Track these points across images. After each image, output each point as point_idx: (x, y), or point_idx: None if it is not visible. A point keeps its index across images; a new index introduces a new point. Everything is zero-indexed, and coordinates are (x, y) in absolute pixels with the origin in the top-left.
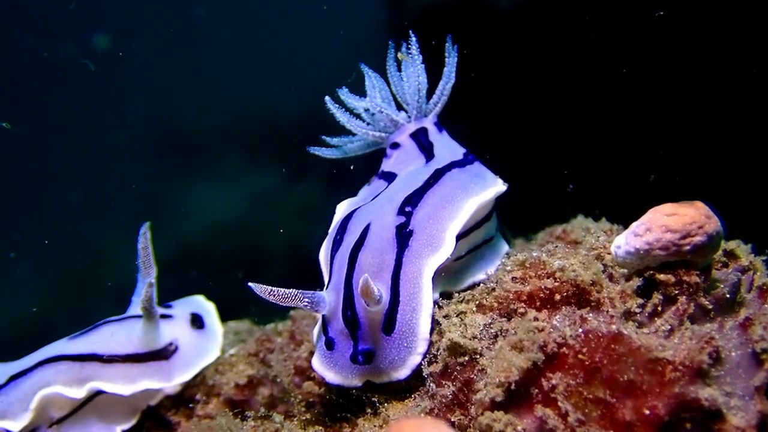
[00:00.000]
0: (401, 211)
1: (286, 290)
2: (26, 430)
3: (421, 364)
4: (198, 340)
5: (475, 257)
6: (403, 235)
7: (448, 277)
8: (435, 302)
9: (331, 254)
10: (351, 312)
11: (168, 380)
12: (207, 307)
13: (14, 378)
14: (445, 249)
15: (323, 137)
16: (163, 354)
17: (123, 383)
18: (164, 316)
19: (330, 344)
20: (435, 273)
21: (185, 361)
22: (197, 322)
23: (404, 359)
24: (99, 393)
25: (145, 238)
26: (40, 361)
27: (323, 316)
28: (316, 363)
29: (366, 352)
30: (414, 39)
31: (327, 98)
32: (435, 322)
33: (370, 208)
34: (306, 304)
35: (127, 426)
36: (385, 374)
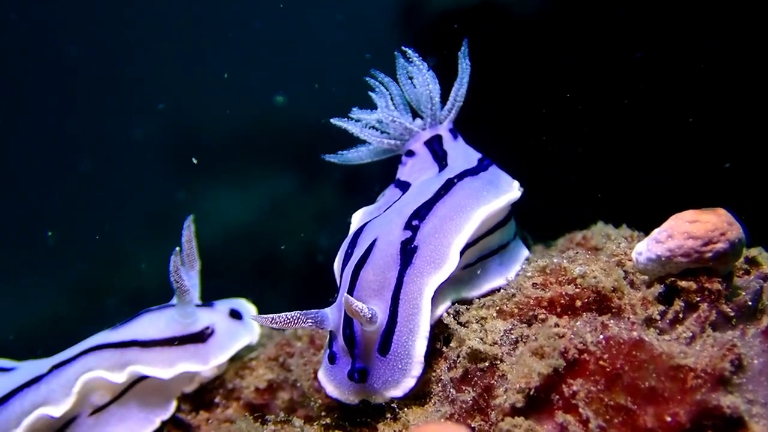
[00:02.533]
0: (408, 226)
1: (288, 315)
2: (67, 417)
3: (415, 387)
4: (234, 327)
5: (492, 262)
6: (408, 252)
7: (463, 283)
8: (449, 309)
9: (342, 268)
10: (349, 330)
11: (205, 362)
12: (248, 308)
13: (57, 367)
14: (449, 266)
15: (339, 152)
16: (200, 337)
17: (162, 366)
18: (204, 306)
19: (332, 358)
20: (444, 282)
21: (221, 343)
22: (236, 315)
23: (398, 381)
24: (139, 380)
25: (189, 230)
26: (83, 350)
27: (331, 331)
28: (320, 374)
29: (361, 371)
30: (411, 51)
31: (333, 119)
32: (455, 326)
33: (379, 222)
34: (310, 323)
35: (165, 416)
36: (379, 395)
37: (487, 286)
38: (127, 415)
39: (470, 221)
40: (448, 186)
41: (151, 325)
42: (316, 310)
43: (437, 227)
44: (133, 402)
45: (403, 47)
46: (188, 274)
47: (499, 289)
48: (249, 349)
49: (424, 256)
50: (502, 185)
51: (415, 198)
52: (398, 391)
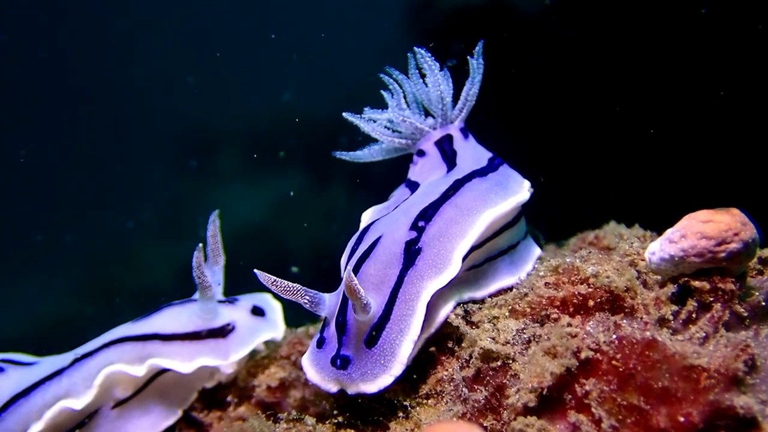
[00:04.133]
0: (414, 226)
1: (289, 283)
2: (89, 410)
3: (390, 386)
4: (255, 323)
5: (501, 262)
6: (412, 252)
7: (468, 284)
8: (457, 309)
9: (346, 263)
10: (342, 317)
11: (225, 358)
12: (272, 304)
13: (78, 360)
14: (450, 271)
15: (353, 152)
16: (221, 332)
17: (182, 360)
18: (227, 302)
19: (320, 343)
20: (446, 286)
21: (241, 339)
22: (258, 312)
23: (376, 376)
24: (159, 374)
25: (214, 225)
26: (105, 343)
27: (325, 317)
28: (304, 358)
29: (344, 358)
30: (423, 51)
31: (345, 114)
32: (464, 327)
33: (386, 221)
34: (306, 301)
35: (186, 406)
36: (355, 385)
37: (495, 286)
38: (150, 408)
39: (475, 226)
40: (456, 187)
41: (172, 319)
42: (316, 292)
43: (442, 230)
44: (155, 395)
45: (416, 47)
46: (212, 269)
47: (511, 289)
48: (265, 345)
49: (427, 259)
50: (511, 186)
51: (422, 198)
52: (373, 387)
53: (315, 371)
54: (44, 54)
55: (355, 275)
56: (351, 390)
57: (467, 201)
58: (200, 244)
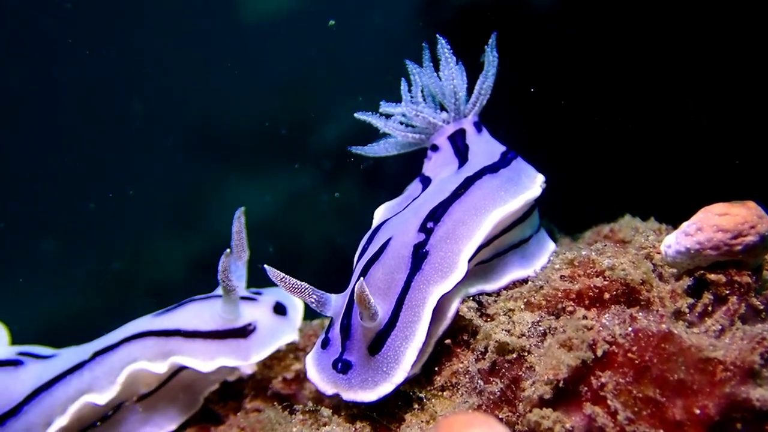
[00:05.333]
0: (423, 228)
1: (297, 282)
2: (113, 404)
3: (390, 394)
4: (277, 324)
5: (512, 256)
6: (419, 256)
7: (479, 278)
8: (471, 302)
9: (357, 263)
10: (347, 321)
11: (245, 359)
12: (294, 302)
13: (99, 353)
14: (456, 275)
15: (368, 147)
16: (242, 333)
17: (202, 359)
18: (249, 299)
19: (325, 344)
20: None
21: (261, 340)
22: (280, 310)
23: (376, 384)
24: (181, 369)
25: (239, 221)
26: (126, 337)
27: (331, 318)
28: (309, 356)
29: (346, 363)
30: (444, 41)
31: (357, 113)
32: (477, 321)
33: (396, 221)
34: (313, 300)
35: (204, 396)
36: (353, 392)
37: (505, 280)
38: (173, 401)
39: (482, 226)
40: (466, 185)
41: (195, 315)
42: (323, 292)
43: (449, 232)
44: (178, 388)
45: (438, 35)
46: (236, 264)
47: (526, 281)
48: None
49: (433, 263)
50: (522, 182)
51: (432, 197)
52: (372, 395)
53: (315, 371)
54: (53, 53)
55: (363, 279)
56: (346, 396)
57: (477, 200)
58: (227, 249)
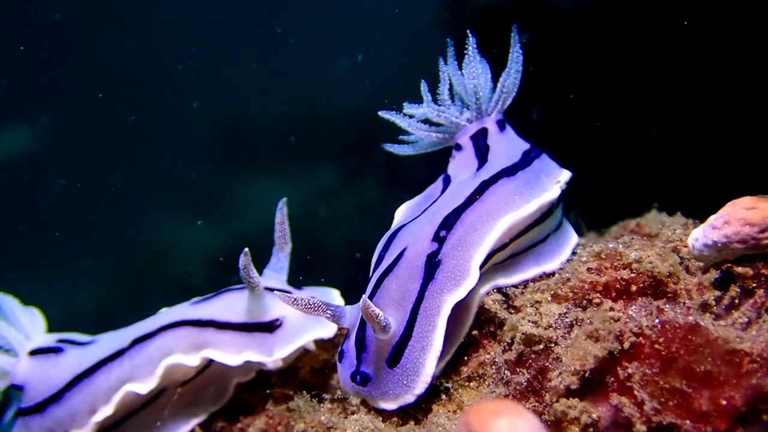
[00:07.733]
0: (436, 237)
1: (310, 300)
2: (155, 391)
3: (413, 403)
4: (305, 320)
5: (528, 256)
6: (432, 265)
7: (494, 279)
8: (495, 294)
9: (373, 271)
10: (361, 333)
11: (269, 354)
12: (332, 295)
13: (137, 342)
14: (468, 282)
15: (401, 137)
16: (268, 327)
17: (231, 353)
18: (288, 293)
19: (341, 356)
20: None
21: (286, 337)
22: None
23: (397, 395)
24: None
25: (282, 213)
26: (163, 326)
27: (347, 329)
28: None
29: (364, 375)
30: (472, 39)
31: (381, 112)
32: (503, 313)
33: (412, 228)
34: (328, 315)
35: (246, 379)
36: (374, 401)
37: (516, 280)
38: (210, 387)
39: (492, 232)
40: (481, 190)
41: (228, 307)
42: (338, 305)
43: (461, 239)
44: (216, 374)
45: (468, 31)
46: (277, 256)
47: (552, 274)
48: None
49: (446, 272)
50: (540, 184)
51: (448, 202)
52: (393, 405)
53: (341, 380)
54: (74, 53)
55: (377, 291)
56: (371, 404)
57: (489, 206)
58: (246, 249)
